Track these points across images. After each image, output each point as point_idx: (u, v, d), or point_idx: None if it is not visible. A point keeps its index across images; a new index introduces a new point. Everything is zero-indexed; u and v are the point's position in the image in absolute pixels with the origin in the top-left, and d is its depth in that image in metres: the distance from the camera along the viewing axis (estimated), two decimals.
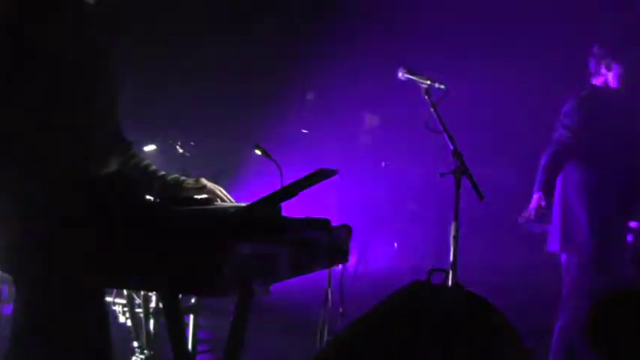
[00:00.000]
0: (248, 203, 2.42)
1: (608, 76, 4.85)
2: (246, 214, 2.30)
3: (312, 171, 2.42)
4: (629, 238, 4.99)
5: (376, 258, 8.72)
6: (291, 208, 2.66)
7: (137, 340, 3.71)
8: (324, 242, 2.68)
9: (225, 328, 2.55)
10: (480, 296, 1.43)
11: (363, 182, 8.47)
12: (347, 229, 2.90)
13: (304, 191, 2.51)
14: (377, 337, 1.18)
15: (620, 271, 4.85)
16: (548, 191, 4.74)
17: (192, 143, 5.85)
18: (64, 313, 2.34)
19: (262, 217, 2.36)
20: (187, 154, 5.82)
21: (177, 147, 5.74)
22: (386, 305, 1.28)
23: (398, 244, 8.66)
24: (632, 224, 4.97)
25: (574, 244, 4.83)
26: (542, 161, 4.83)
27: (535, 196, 4.72)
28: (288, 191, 2.43)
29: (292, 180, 2.44)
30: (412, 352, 1.16)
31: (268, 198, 2.38)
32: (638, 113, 4.92)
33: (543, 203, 4.68)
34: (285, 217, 2.60)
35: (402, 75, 4.35)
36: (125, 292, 3.69)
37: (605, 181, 4.78)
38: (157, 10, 8.02)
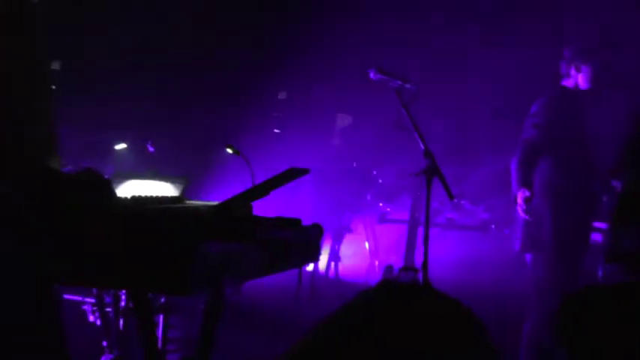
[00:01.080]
0: (219, 202, 2.41)
1: (577, 78, 4.90)
2: (217, 213, 2.29)
3: (283, 170, 2.42)
4: (598, 237, 5.04)
5: (348, 258, 8.73)
6: (263, 208, 2.66)
7: (107, 339, 3.68)
8: (294, 242, 2.68)
9: (196, 328, 2.54)
10: (448, 294, 1.44)
11: (335, 182, 8.47)
12: (318, 228, 2.91)
13: (276, 191, 2.52)
14: (343, 337, 1.18)
15: (583, 270, 4.91)
16: (528, 186, 4.74)
17: (162, 142, 5.82)
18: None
19: (233, 216, 2.36)
20: (158, 153, 5.80)
21: (148, 146, 5.71)
22: (352, 305, 1.28)
23: (369, 244, 8.68)
24: (599, 224, 5.02)
25: (540, 244, 4.86)
26: (514, 163, 4.85)
27: (519, 194, 4.72)
28: (259, 190, 2.43)
29: (263, 179, 2.44)
30: (379, 352, 1.16)
31: (239, 197, 2.38)
32: (606, 115, 4.97)
33: (528, 194, 4.68)
34: (256, 217, 2.60)
35: (373, 75, 4.37)
36: (95, 291, 3.66)
37: (572, 182, 4.82)
38: (131, 8, 7.99)
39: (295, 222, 2.75)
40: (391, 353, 1.18)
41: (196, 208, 2.39)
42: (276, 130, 9.20)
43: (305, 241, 2.79)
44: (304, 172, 2.50)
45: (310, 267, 7.29)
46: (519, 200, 4.71)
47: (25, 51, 2.60)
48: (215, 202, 2.61)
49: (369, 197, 8.34)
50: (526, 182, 4.75)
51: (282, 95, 9.73)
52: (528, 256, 4.96)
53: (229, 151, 3.80)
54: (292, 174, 2.44)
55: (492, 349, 1.35)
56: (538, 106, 4.94)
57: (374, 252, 8.62)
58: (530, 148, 4.86)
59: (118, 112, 6.25)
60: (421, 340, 1.26)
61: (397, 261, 7.19)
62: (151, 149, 5.72)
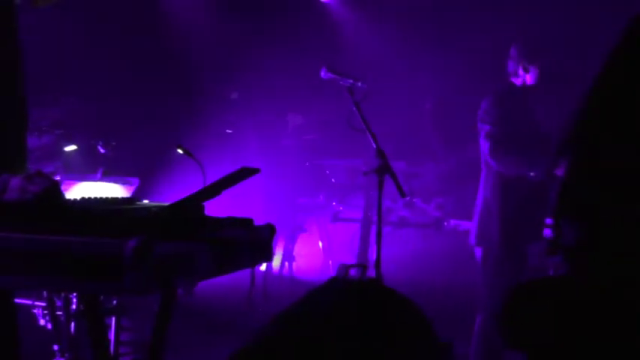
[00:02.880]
0: (171, 203, 2.40)
1: (525, 77, 4.96)
2: (169, 213, 2.28)
3: (234, 170, 2.42)
4: (548, 232, 5.11)
5: (302, 257, 8.74)
6: (214, 208, 2.65)
7: (58, 343, 3.64)
8: (246, 241, 2.68)
9: (148, 330, 2.52)
10: (396, 290, 1.45)
11: (288, 182, 8.47)
12: (270, 228, 2.91)
13: (228, 191, 2.51)
14: (291, 334, 1.19)
15: (531, 265, 4.98)
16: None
17: (113, 143, 5.76)
18: None
19: (184, 216, 2.35)
20: (109, 155, 5.74)
21: (99, 147, 5.65)
22: (299, 304, 1.28)
23: (323, 244, 8.70)
24: (549, 220, 5.09)
25: (490, 239, 4.92)
26: (494, 162, 4.83)
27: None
28: (211, 190, 2.42)
29: (215, 180, 2.43)
30: (324, 348, 1.17)
31: (191, 197, 2.37)
32: (552, 110, 5.04)
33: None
34: (208, 217, 2.59)
35: (324, 74, 4.38)
36: (45, 294, 3.62)
37: (521, 178, 4.87)
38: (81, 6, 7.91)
39: (247, 222, 2.75)
40: (335, 351, 1.19)
41: (148, 209, 2.37)
42: (228, 131, 9.17)
43: (257, 240, 2.78)
44: (255, 171, 2.50)
45: (263, 267, 7.28)
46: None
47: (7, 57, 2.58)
48: (166, 203, 2.59)
49: (321, 197, 8.35)
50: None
51: (234, 95, 9.69)
52: (478, 251, 5.01)
53: (180, 151, 3.77)
54: (244, 173, 2.43)
55: (438, 345, 1.37)
56: (488, 103, 4.98)
57: (328, 251, 8.64)
58: (496, 143, 4.87)
59: (68, 113, 6.17)
60: (367, 336, 1.26)
61: (351, 260, 7.22)
62: (102, 150, 5.66)
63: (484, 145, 4.94)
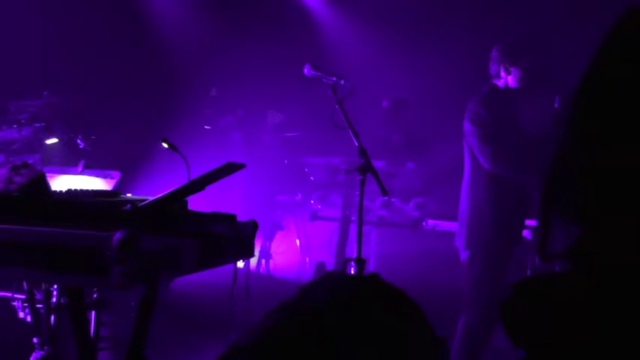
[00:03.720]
0: (155, 197, 2.39)
1: (507, 79, 4.95)
2: (153, 207, 2.27)
3: (220, 165, 2.41)
4: (528, 235, 5.14)
5: (279, 255, 8.73)
6: (193, 204, 2.65)
7: (38, 335, 3.60)
8: (230, 237, 2.68)
9: (124, 326, 2.51)
10: (394, 285, 1.46)
11: (266, 179, 8.46)
12: (253, 224, 2.91)
13: (207, 188, 2.50)
14: (293, 327, 1.19)
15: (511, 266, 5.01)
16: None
17: (92, 137, 5.73)
18: None
19: (169, 210, 2.34)
20: (88, 149, 5.71)
21: (78, 141, 5.62)
22: (297, 297, 1.28)
23: (300, 242, 8.69)
24: (530, 222, 5.11)
25: (480, 242, 4.91)
26: (496, 166, 4.81)
27: None
28: (196, 185, 2.41)
29: (194, 175, 2.42)
30: (327, 340, 1.17)
31: (176, 191, 2.36)
32: (535, 112, 5.05)
33: None
34: (191, 211, 2.59)
35: (307, 71, 4.38)
36: (25, 286, 3.59)
37: (509, 181, 4.87)
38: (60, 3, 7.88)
39: (230, 217, 2.75)
40: (336, 346, 1.19)
41: (133, 202, 2.36)
42: (206, 127, 9.14)
43: (240, 236, 2.78)
44: (240, 166, 2.50)
45: (240, 264, 7.26)
46: None
47: None
48: (149, 197, 2.58)
49: (300, 195, 8.35)
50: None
51: (213, 92, 9.67)
52: (464, 253, 5.00)
53: (165, 145, 3.74)
54: (229, 168, 2.43)
55: (436, 339, 1.38)
56: (477, 104, 4.94)
57: (305, 249, 8.64)
58: (495, 145, 4.85)
59: (47, 107, 6.14)
60: (368, 330, 1.27)
61: (328, 258, 7.21)
62: (81, 145, 5.63)
63: (483, 149, 4.86)
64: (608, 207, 0.96)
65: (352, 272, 3.68)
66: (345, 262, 1.79)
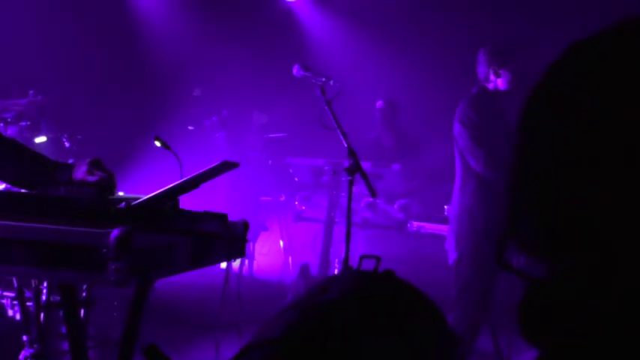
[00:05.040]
0: (149, 195, 2.39)
1: (497, 82, 4.91)
2: (147, 205, 2.27)
3: (216, 164, 2.41)
4: None
5: (261, 256, 8.73)
6: (180, 204, 2.64)
7: (27, 333, 3.58)
8: (222, 236, 2.68)
9: (110, 325, 2.50)
10: (410, 283, 1.46)
11: (250, 180, 8.45)
12: (244, 224, 2.92)
13: (200, 186, 2.50)
14: (316, 323, 1.18)
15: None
16: None
17: (79, 137, 5.71)
18: None
19: (162, 208, 2.34)
20: (74, 148, 5.69)
21: (64, 140, 5.59)
22: (319, 292, 1.27)
23: (284, 243, 8.69)
24: None
25: (470, 244, 4.90)
26: (488, 171, 4.80)
27: None
28: (190, 183, 2.41)
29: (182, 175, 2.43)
30: (350, 336, 1.17)
31: (169, 190, 2.36)
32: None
33: None
34: (183, 210, 2.58)
35: (297, 71, 4.38)
36: (15, 284, 3.57)
37: (499, 184, 4.86)
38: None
39: (222, 217, 2.75)
40: (361, 343, 1.18)
41: (127, 200, 2.35)
42: (190, 127, 9.12)
43: (232, 235, 2.79)
44: (235, 165, 2.51)
45: (223, 265, 7.23)
46: None
47: None
48: (142, 196, 2.57)
49: (284, 196, 8.35)
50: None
51: (197, 92, 9.64)
52: (454, 256, 4.99)
53: (157, 144, 3.73)
54: (224, 167, 2.43)
55: (451, 336, 1.38)
56: (468, 106, 4.92)
57: (288, 250, 8.63)
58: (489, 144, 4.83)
59: (34, 105, 6.11)
60: (392, 325, 1.27)
61: (312, 259, 7.21)
62: (67, 144, 5.60)
63: (474, 152, 4.84)
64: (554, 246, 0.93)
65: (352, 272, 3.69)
66: (360, 259, 1.78)
